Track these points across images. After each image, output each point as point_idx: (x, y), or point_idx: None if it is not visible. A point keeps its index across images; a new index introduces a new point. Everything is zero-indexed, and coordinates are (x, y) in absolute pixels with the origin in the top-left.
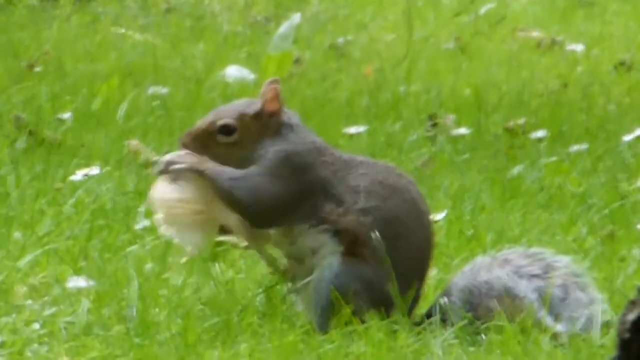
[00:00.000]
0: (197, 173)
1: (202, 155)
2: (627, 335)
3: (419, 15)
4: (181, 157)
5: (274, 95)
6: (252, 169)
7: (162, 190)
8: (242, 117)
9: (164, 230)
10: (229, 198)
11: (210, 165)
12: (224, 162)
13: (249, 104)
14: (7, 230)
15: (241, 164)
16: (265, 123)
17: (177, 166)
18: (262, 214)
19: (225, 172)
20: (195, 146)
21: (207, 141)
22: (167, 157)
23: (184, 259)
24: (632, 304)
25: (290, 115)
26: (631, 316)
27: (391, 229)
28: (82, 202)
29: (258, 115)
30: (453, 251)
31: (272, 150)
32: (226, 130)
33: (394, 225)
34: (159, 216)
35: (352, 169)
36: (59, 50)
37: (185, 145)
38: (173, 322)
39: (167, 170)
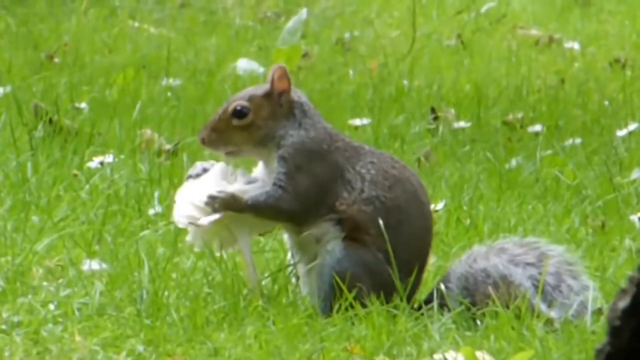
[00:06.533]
0: (238, 210)
1: (222, 143)
2: (617, 322)
3: (422, 12)
4: (217, 199)
5: (282, 74)
6: (279, 175)
7: (191, 200)
8: (252, 98)
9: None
10: (277, 213)
11: (244, 197)
12: (245, 146)
13: (258, 87)
14: (25, 214)
15: (263, 144)
16: (277, 102)
17: (217, 209)
18: (305, 210)
19: (259, 194)
20: (214, 138)
21: (224, 130)
22: (211, 193)
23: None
24: (623, 292)
25: (299, 93)
26: (622, 304)
27: (393, 217)
28: (97, 189)
29: (268, 95)
30: (452, 240)
31: (288, 142)
32: (239, 112)
33: (396, 214)
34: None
35: (361, 157)
36: (77, 42)
37: (204, 141)
38: (182, 305)
39: (213, 207)
